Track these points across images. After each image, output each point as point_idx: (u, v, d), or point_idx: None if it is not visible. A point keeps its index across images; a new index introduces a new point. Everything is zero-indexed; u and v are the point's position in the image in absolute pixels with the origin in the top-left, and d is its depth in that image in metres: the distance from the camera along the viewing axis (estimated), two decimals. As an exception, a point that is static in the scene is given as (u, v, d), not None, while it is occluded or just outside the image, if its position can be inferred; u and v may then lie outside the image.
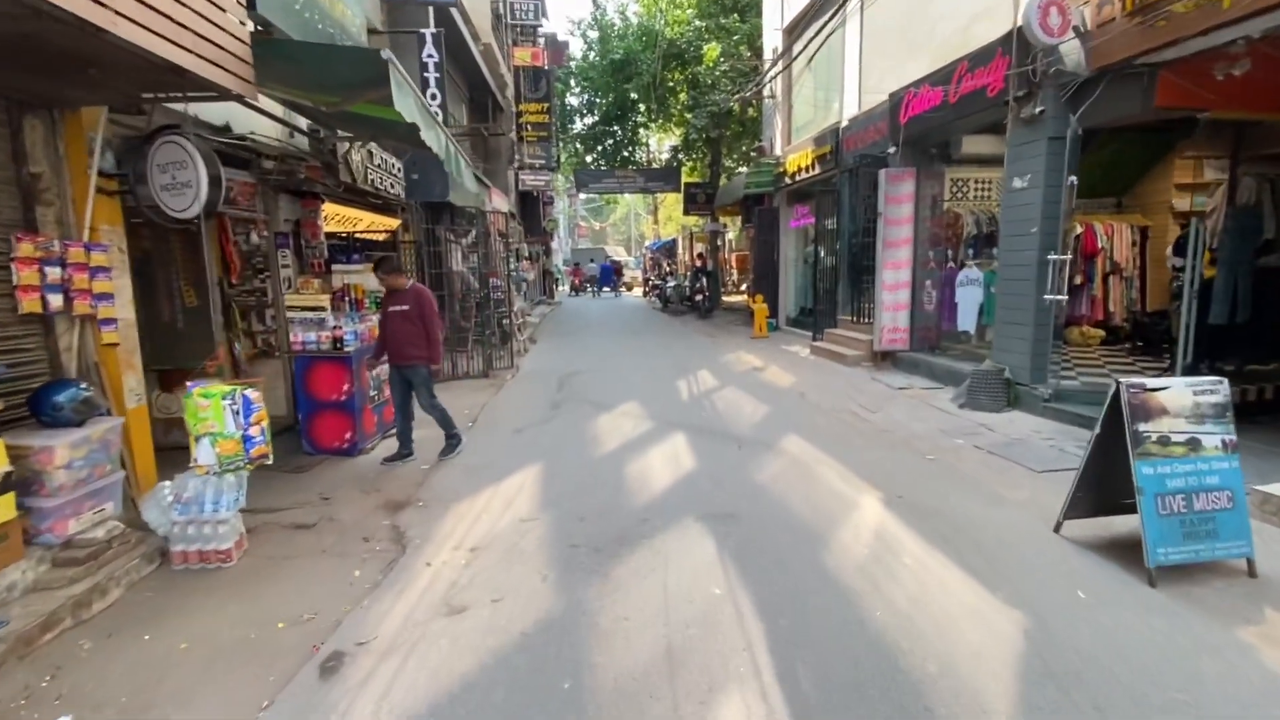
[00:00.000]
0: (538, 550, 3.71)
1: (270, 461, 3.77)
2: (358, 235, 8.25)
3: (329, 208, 6.87)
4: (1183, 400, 3.41)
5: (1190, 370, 6.14)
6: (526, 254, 20.26)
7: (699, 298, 18.07)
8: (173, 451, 4.48)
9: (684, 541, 3.78)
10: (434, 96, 8.45)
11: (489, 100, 15.77)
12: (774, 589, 3.21)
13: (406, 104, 3.91)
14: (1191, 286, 5.94)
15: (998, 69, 6.70)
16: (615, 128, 22.77)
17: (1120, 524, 3.86)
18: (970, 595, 3.14)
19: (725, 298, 22.61)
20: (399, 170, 8.20)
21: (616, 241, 57.82)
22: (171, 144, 3.79)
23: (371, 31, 8.06)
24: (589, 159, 24.13)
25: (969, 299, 7.92)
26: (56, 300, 3.57)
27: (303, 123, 6.11)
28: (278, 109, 5.70)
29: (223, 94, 3.61)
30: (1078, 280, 7.30)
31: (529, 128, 18.53)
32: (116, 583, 3.44)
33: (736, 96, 16.10)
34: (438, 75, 8.50)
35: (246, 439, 3.47)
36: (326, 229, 7.35)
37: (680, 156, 22.86)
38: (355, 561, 3.72)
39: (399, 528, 4.13)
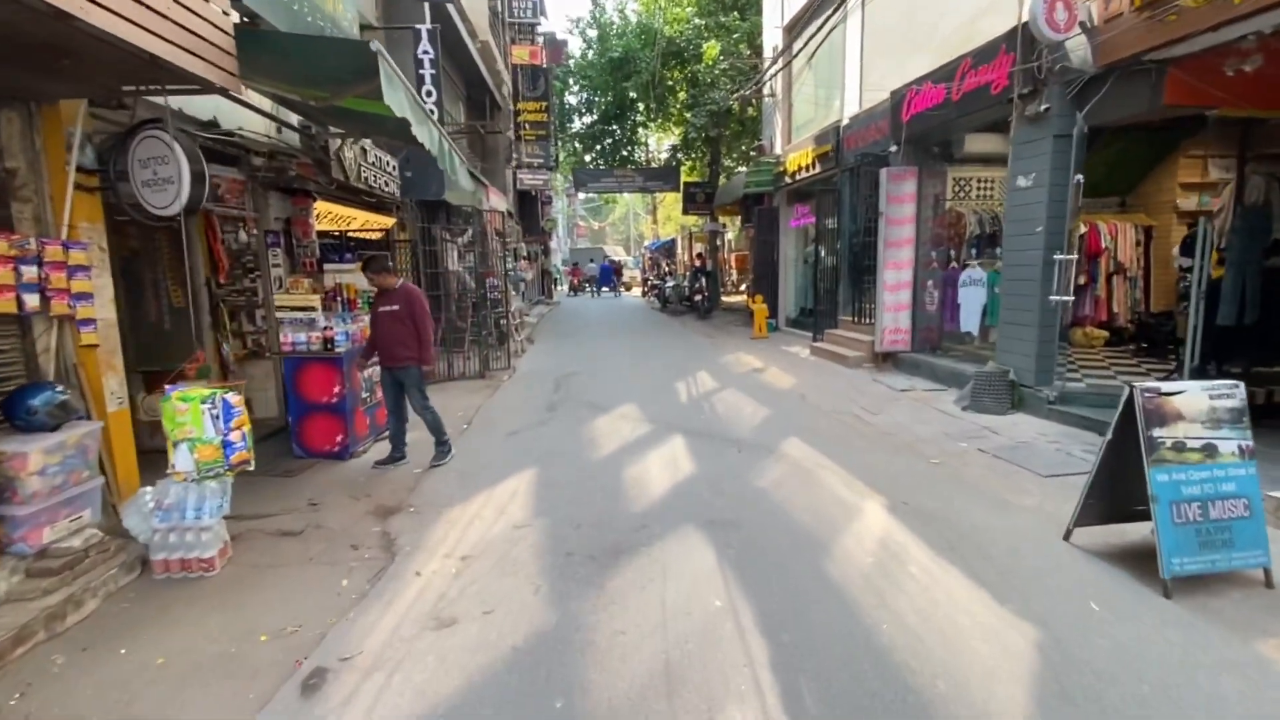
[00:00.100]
0: (531, 559, 3.59)
1: (252, 468, 3.64)
2: (352, 234, 8.12)
3: (321, 206, 6.74)
4: (1198, 405, 3.29)
5: (1198, 372, 6.03)
6: (525, 253, 20.13)
7: (698, 298, 17.96)
8: (159, 455, 4.32)
9: (683, 550, 3.66)
10: (429, 94, 8.32)
11: (487, 99, 15.64)
12: (776, 601, 3.09)
13: (396, 98, 3.79)
14: (1199, 287, 5.84)
15: (1002, 66, 6.59)
16: (614, 127, 22.64)
17: (1132, 531, 3.76)
18: (980, 607, 3.02)
19: (724, 298, 22.50)
20: (394, 168, 8.07)
21: (615, 241, 57.70)
22: (153, 138, 3.67)
23: (366, 27, 7.93)
24: (588, 158, 24.00)
25: (972, 299, 7.81)
26: (33, 300, 3.44)
27: (293, 119, 5.99)
28: (267, 104, 5.58)
29: (205, 87, 3.49)
30: (1081, 281, 7.19)
31: (527, 126, 18.41)
32: (93, 593, 3.31)
33: (736, 95, 15.98)
34: (433, 72, 8.38)
35: (226, 444, 3.34)
36: (319, 227, 7.23)
37: (679, 156, 22.73)
38: (343, 570, 3.60)
39: (389, 534, 4.01)
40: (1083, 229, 6.93)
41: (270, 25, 4.04)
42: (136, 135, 3.70)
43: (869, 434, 6.09)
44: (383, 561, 3.67)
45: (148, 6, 2.87)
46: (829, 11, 10.59)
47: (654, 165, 24.27)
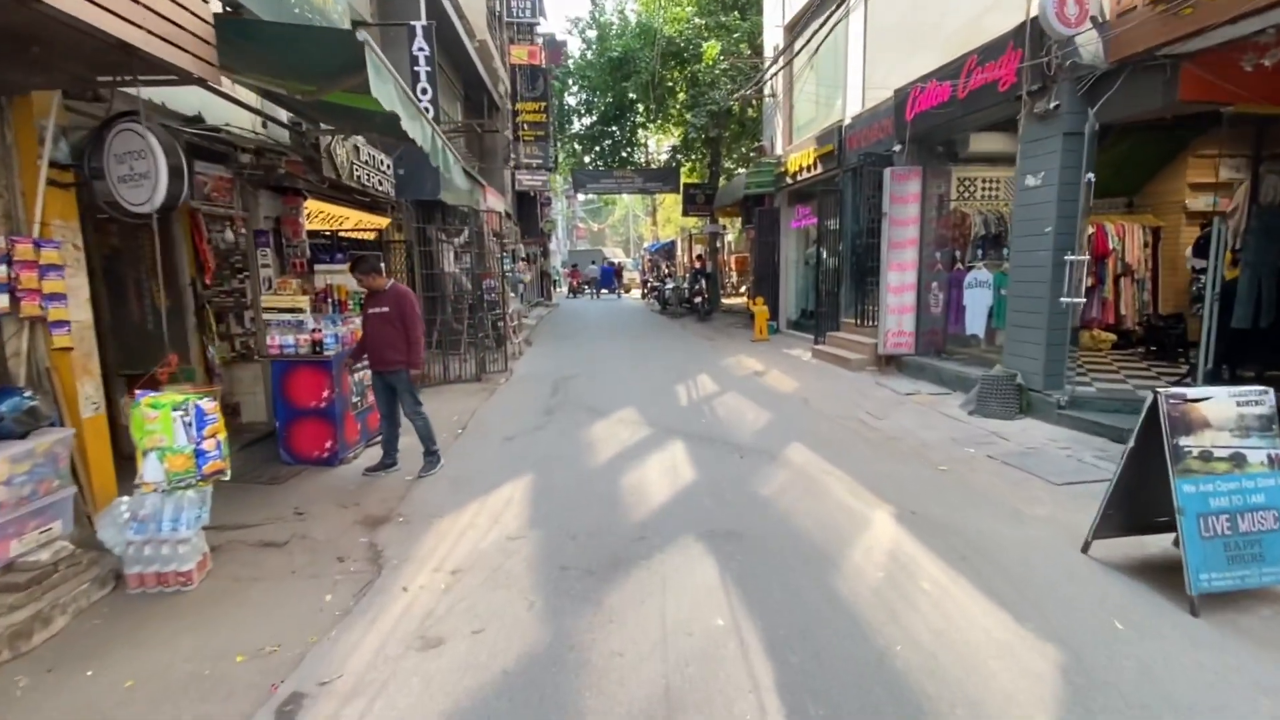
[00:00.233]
0: (524, 573, 3.42)
1: (228, 478, 3.47)
2: (344, 234, 7.96)
3: (312, 205, 6.58)
4: (1226, 412, 3.13)
5: (1211, 377, 5.88)
6: (523, 255, 19.97)
7: (698, 300, 17.81)
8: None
9: (683, 563, 3.49)
10: (425, 91, 8.16)
11: (485, 98, 15.51)
12: (782, 619, 2.93)
13: (385, 90, 3.63)
14: (1213, 289, 5.69)
15: (1010, 62, 6.44)
16: (613, 128, 22.49)
17: (1151, 544, 3.60)
18: (997, 626, 2.86)
19: (724, 300, 22.35)
20: (388, 167, 7.92)
21: (615, 243, 57.56)
22: (129, 132, 3.50)
23: (359, 23, 7.78)
24: (587, 159, 23.85)
25: (978, 301, 7.66)
26: (2, 301, 3.29)
27: (283, 115, 5.84)
28: (255, 99, 5.42)
29: (183, 77, 3.34)
30: (1088, 282, 7.04)
31: (525, 127, 18.27)
32: (62, 610, 3.14)
33: (737, 95, 15.84)
34: (429, 70, 8.22)
35: (199, 453, 3.17)
36: (311, 227, 7.07)
37: (679, 157, 22.59)
38: (327, 584, 3.43)
39: (376, 546, 3.84)
40: (1089, 230, 6.78)
41: (253, 14, 3.88)
42: (112, 128, 3.54)
43: (874, 439, 5.92)
44: (369, 575, 3.50)
45: (117, -10, 2.71)
46: (831, 9, 10.44)
47: (654, 166, 24.13)
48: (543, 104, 18.52)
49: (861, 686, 2.46)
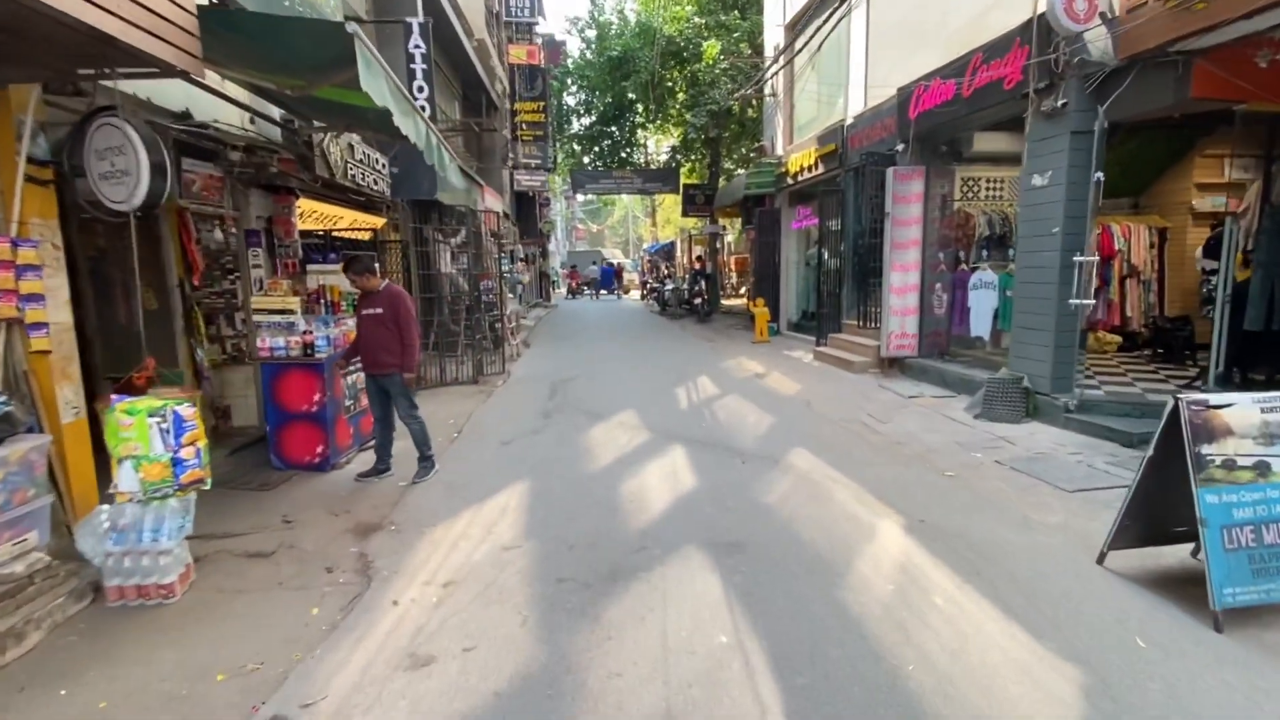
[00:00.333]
0: (519, 586, 3.29)
1: (207, 487, 3.34)
2: (339, 234, 7.82)
3: (305, 204, 6.45)
4: (1250, 419, 3.01)
5: (1222, 379, 5.77)
6: (522, 255, 19.84)
7: (698, 301, 17.68)
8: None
9: (685, 575, 3.36)
10: (421, 89, 8.05)
11: (483, 98, 15.39)
12: (789, 637, 2.80)
13: (376, 85, 3.51)
14: (1225, 290, 5.58)
15: (1016, 60, 6.32)
16: (613, 128, 22.36)
17: (1168, 554, 3.48)
18: (1014, 644, 2.73)
19: (724, 301, 22.23)
20: (383, 166, 7.79)
21: (614, 244, 57.44)
22: (109, 126, 3.37)
23: (352, 18, 7.65)
24: (586, 160, 23.72)
25: (983, 303, 7.53)
26: (-25, 302, 3.16)
27: (275, 112, 5.71)
28: (245, 95, 5.29)
29: (164, 70, 3.21)
30: (1094, 284, 6.93)
31: (524, 127, 18.15)
32: (37, 625, 3.01)
33: (737, 95, 15.71)
34: (425, 67, 8.10)
35: (176, 462, 3.04)
36: (305, 226, 6.94)
37: (679, 157, 22.46)
38: (314, 596, 3.30)
39: (367, 556, 3.71)
40: (1095, 230, 6.66)
41: (239, 4, 3.75)
42: (92, 123, 3.41)
43: (878, 443, 5.80)
44: (358, 587, 3.37)
45: (92, -24, 2.59)
46: (832, 8, 10.33)
47: (653, 167, 24.01)
48: (541, 104, 18.40)
49: (874, 712, 2.33)
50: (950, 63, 7.43)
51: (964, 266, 8.21)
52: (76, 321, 4.72)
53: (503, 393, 8.53)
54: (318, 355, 4.98)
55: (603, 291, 31.49)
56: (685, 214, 22.61)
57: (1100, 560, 3.43)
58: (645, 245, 40.30)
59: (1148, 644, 2.73)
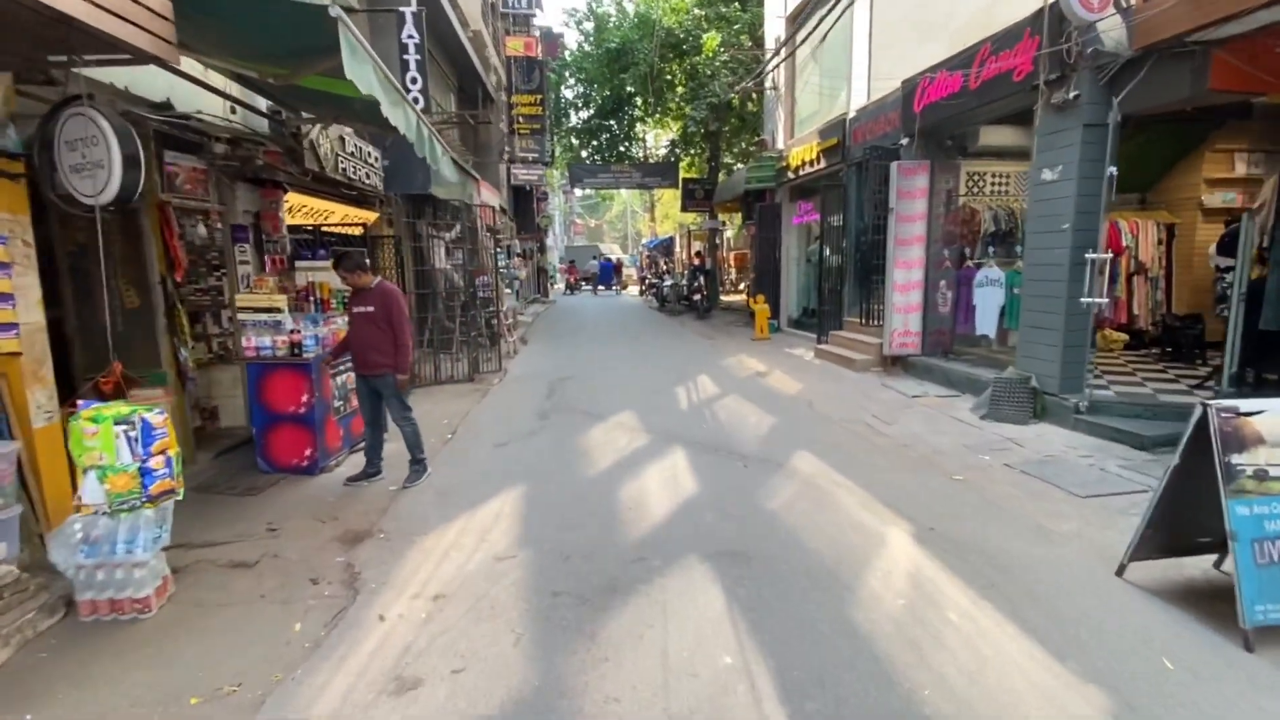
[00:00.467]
0: (513, 600, 3.14)
1: (180, 497, 3.17)
2: (328, 229, 7.63)
3: (294, 198, 6.27)
4: (1281, 426, 2.86)
5: (1235, 380, 5.62)
6: (519, 251, 19.64)
7: (697, 297, 17.50)
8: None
9: (686, 589, 3.21)
10: (414, 80, 7.85)
11: (479, 91, 15.16)
12: (796, 657, 2.65)
13: (362, 73, 3.33)
14: (1239, 288, 5.43)
15: (1026, 51, 6.14)
16: (611, 121, 22.12)
17: (1190, 565, 3.34)
18: (1035, 666, 2.58)
19: (723, 297, 22.05)
20: (376, 159, 7.60)
21: (613, 239, 57.19)
22: (80, 116, 3.19)
23: (345, 9, 7.45)
24: (584, 154, 23.49)
25: (989, 300, 7.37)
26: (-63, 302, 2.99)
27: (262, 103, 5.52)
28: (235, 87, 5.11)
29: (137, 56, 3.02)
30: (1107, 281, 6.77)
31: (521, 120, 17.92)
32: (5, 641, 2.86)
33: (738, 88, 15.50)
34: (419, 58, 7.90)
35: (145, 472, 2.87)
36: (295, 221, 6.76)
37: (678, 151, 22.24)
38: (298, 610, 3.15)
39: (353, 567, 3.55)
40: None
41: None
42: (62, 113, 3.23)
43: (883, 446, 5.65)
44: (343, 601, 3.21)
45: (50, -48, 2.40)
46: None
47: (652, 161, 23.77)
48: (539, 97, 18.16)
49: (889, 742, 2.19)
50: (957, 54, 7.25)
51: (969, 263, 8.05)
52: (55, 321, 4.55)
53: (499, 391, 8.37)
54: (305, 355, 4.81)
55: (601, 287, 31.29)
56: (684, 209, 22.40)
57: (1120, 572, 3.29)
58: (644, 240, 40.08)
59: (1175, 665, 2.58)
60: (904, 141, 8.49)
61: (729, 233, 25.90)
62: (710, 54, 16.40)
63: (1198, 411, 2.89)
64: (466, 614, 3.02)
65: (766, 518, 4.10)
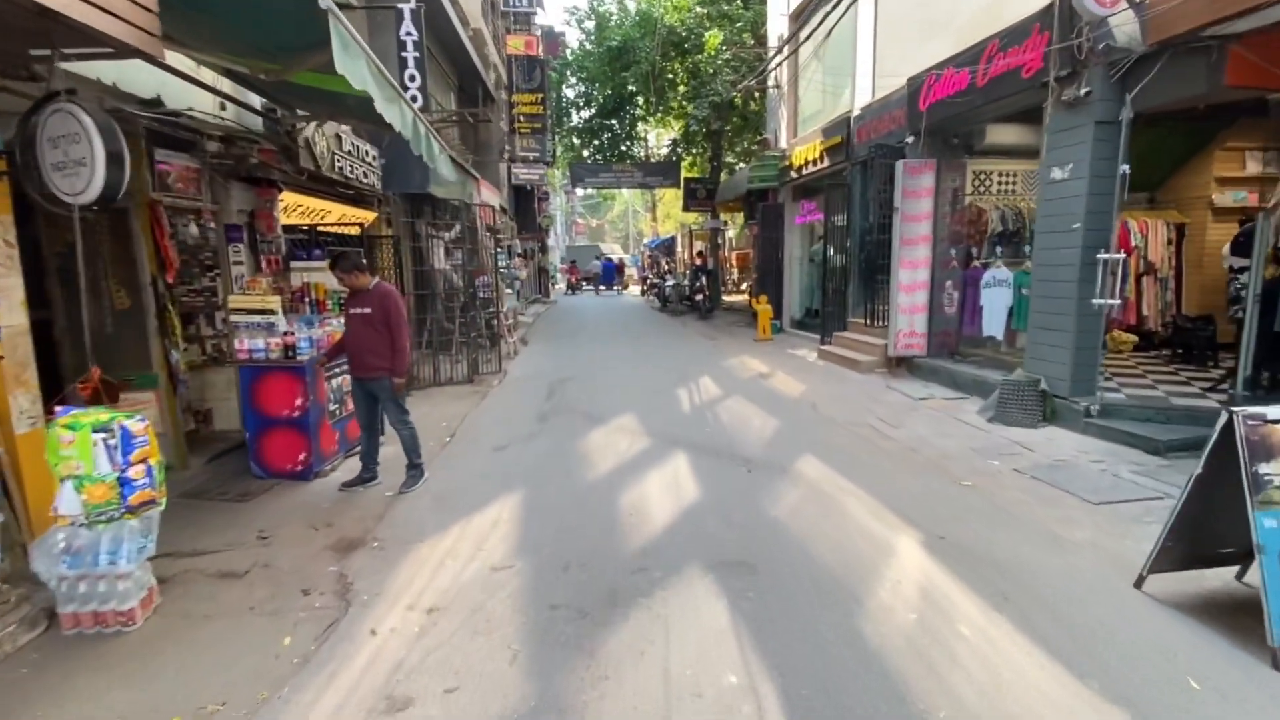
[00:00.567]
0: (509, 613, 3.03)
1: (162, 507, 3.06)
2: (327, 229, 7.53)
3: (290, 197, 6.17)
4: (1310, 434, 2.74)
5: (1249, 383, 5.49)
6: (520, 251, 19.53)
7: (699, 297, 17.39)
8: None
9: (689, 601, 3.10)
10: (413, 78, 7.75)
11: (480, 90, 15.06)
12: (804, 675, 2.54)
13: (355, 68, 3.23)
14: (1254, 289, 5.30)
15: (1035, 47, 6.02)
16: (613, 121, 22.00)
17: (1210, 577, 3.22)
18: (1052, 684, 2.47)
19: (725, 297, 21.93)
20: (374, 158, 7.49)
21: (614, 239, 57.07)
22: (63, 113, 3.09)
23: (343, 6, 7.35)
24: (585, 153, 23.37)
25: (996, 301, 7.25)
26: (-85, 304, 2.89)
27: (256, 100, 5.42)
28: (226, 84, 5.00)
29: (120, 49, 2.92)
30: (1119, 282, 6.64)
31: (522, 119, 17.81)
32: (-17, 657, 2.76)
33: (740, 86, 15.37)
34: (417, 55, 7.80)
35: (124, 482, 2.76)
36: (290, 221, 6.66)
37: (680, 150, 22.11)
38: (288, 623, 3.04)
39: (346, 577, 3.45)
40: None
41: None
42: (44, 110, 3.13)
43: (890, 449, 5.53)
44: (335, 613, 3.11)
45: (24, -61, 2.30)
46: (839, -4, 10.00)
47: (654, 161, 23.64)
48: (540, 96, 18.06)
49: (904, 769, 2.08)
50: (964, 51, 7.13)
51: (976, 263, 7.93)
52: (43, 323, 4.46)
53: (498, 393, 8.26)
54: (300, 357, 4.71)
55: (602, 287, 31.20)
56: (686, 209, 22.28)
57: (1138, 584, 3.17)
58: (645, 240, 39.96)
59: (1200, 684, 2.47)
60: (909, 140, 8.37)
61: (731, 232, 25.77)
62: (712, 52, 16.27)
63: (1223, 418, 2.78)
64: (461, 628, 2.91)
65: (771, 525, 3.99)
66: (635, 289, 31.63)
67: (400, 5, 7.83)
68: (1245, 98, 5.69)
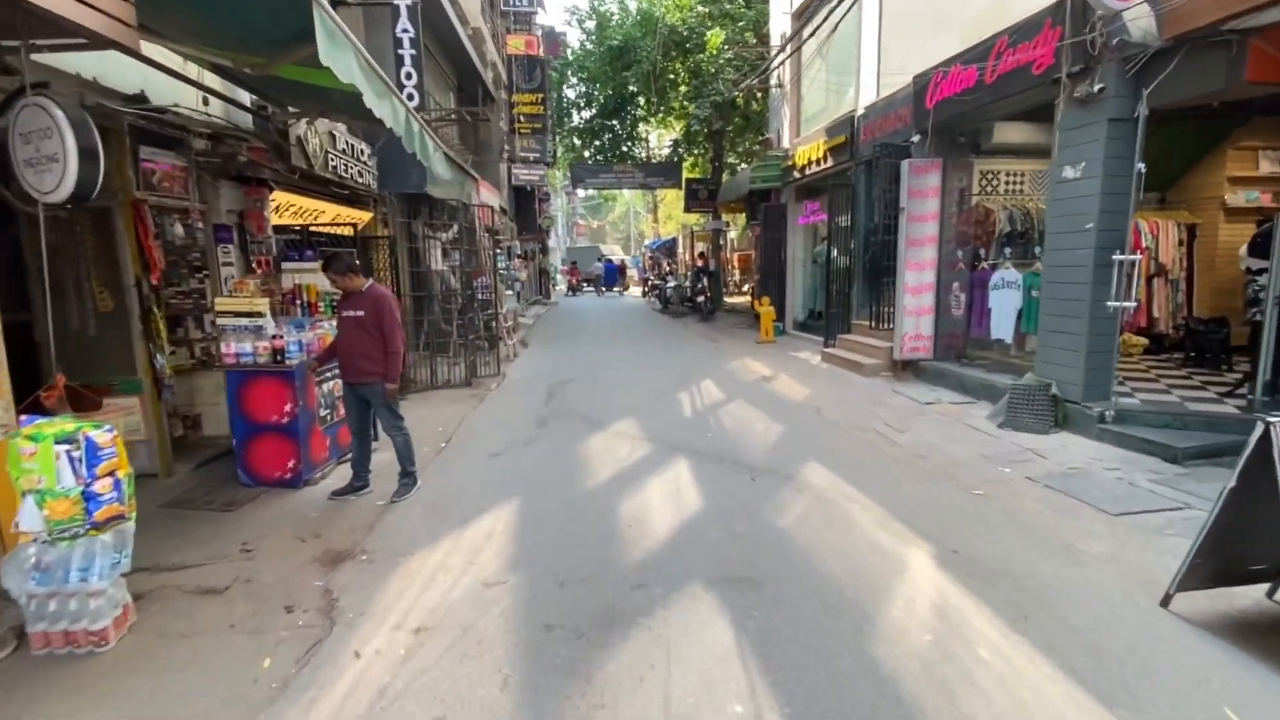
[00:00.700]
0: (501, 633, 2.87)
1: (130, 522, 2.90)
2: (321, 229, 7.38)
3: (281, 197, 6.02)
4: (1351, 446, 2.58)
5: (1269, 388, 5.32)
6: (520, 252, 19.39)
7: (700, 299, 17.23)
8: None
9: (691, 620, 2.94)
10: (409, 76, 7.61)
11: (479, 90, 14.93)
12: (815, 703, 2.38)
13: (342, 60, 3.08)
14: (1273, 291, 5.14)
15: (1047, 42, 5.86)
16: (614, 121, 21.85)
17: (1240, 595, 3.06)
18: (1080, 714, 2.31)
19: (727, 299, 21.77)
20: (369, 157, 7.35)
21: (615, 240, 56.96)
22: (35, 107, 2.95)
23: (338, 3, 7.22)
24: (586, 154, 23.23)
25: (1005, 303, 7.09)
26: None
27: (246, 97, 5.28)
28: (214, 79, 4.87)
29: (93, 40, 2.78)
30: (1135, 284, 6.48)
31: (522, 119, 17.68)
32: (-55, 680, 2.61)
33: (742, 85, 15.22)
34: (414, 53, 7.66)
35: (89, 497, 2.61)
36: (283, 221, 6.52)
37: (681, 151, 21.95)
38: (269, 643, 2.89)
39: (332, 593, 3.29)
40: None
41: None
42: (15, 104, 2.99)
43: (897, 456, 5.37)
44: (319, 631, 2.96)
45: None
46: (843, -7, 9.85)
47: (655, 161, 23.49)
48: (540, 96, 17.93)
49: (924, 812, 1.92)
50: (972, 47, 6.98)
51: (984, 264, 7.77)
52: (23, 325, 4.31)
53: (497, 396, 8.11)
54: (289, 361, 4.56)
55: (604, 288, 31.06)
56: (688, 209, 22.12)
57: (1165, 602, 3.01)
58: (647, 241, 39.82)
59: (1238, 715, 2.31)
60: (915, 139, 8.22)
61: (733, 234, 25.61)
62: (714, 51, 16.12)
63: (1259, 429, 2.62)
64: (450, 650, 2.75)
65: (776, 536, 3.83)
66: (636, 290, 31.48)
67: (396, 1, 7.69)
68: (1259, 95, 5.54)
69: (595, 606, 3.06)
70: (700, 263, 19.35)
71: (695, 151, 21.48)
